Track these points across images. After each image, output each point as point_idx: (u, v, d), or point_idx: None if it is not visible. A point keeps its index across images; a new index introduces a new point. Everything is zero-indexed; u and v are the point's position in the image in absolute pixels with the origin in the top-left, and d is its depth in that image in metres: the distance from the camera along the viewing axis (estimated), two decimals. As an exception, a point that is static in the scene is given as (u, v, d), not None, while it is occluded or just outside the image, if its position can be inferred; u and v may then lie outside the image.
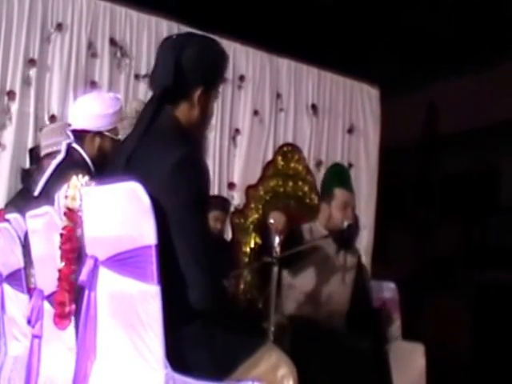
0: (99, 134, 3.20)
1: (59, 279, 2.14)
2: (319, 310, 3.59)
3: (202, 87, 2.18)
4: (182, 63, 2.13)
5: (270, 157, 5.90)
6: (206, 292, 1.99)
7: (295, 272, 3.63)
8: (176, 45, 2.19)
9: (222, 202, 5.12)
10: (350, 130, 6.41)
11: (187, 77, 2.14)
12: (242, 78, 5.80)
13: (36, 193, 3.04)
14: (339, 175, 3.93)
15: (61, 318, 2.16)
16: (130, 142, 2.21)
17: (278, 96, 6.02)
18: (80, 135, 3.19)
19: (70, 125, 3.29)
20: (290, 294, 3.66)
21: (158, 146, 2.08)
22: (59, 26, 4.94)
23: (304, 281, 3.64)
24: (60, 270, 2.14)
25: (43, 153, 3.52)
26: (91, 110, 3.20)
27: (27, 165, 4.40)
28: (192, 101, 2.18)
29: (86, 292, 2.05)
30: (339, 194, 3.73)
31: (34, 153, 4.33)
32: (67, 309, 2.14)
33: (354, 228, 3.78)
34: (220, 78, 2.32)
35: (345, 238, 3.75)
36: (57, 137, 3.39)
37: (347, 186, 3.80)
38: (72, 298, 2.14)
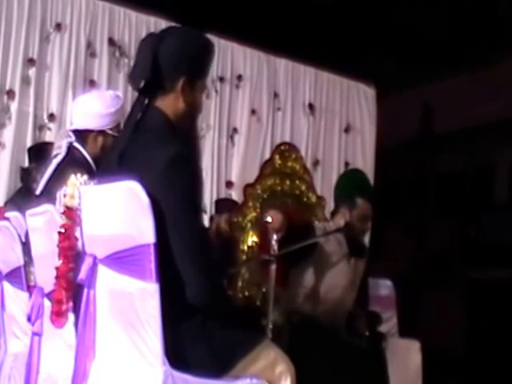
0: (102, 132, 3.20)
1: (57, 277, 2.14)
2: (325, 308, 3.59)
3: (184, 78, 2.16)
4: (160, 55, 2.11)
5: (267, 156, 5.89)
6: (202, 290, 2.01)
7: (303, 269, 3.64)
8: (154, 39, 2.18)
9: (231, 205, 5.15)
10: (347, 129, 6.43)
11: (166, 68, 2.13)
12: (239, 77, 5.83)
13: (37, 191, 3.05)
14: (363, 184, 3.90)
15: (58, 315, 2.16)
16: (120, 140, 2.22)
17: (276, 95, 6.05)
18: (82, 135, 3.20)
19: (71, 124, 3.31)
20: (297, 291, 3.67)
21: (149, 144, 2.08)
22: (58, 26, 4.96)
23: (311, 278, 3.64)
24: (58, 268, 2.14)
25: (54, 153, 3.53)
26: (93, 110, 3.20)
27: (26, 163, 4.42)
28: (176, 92, 2.17)
29: (85, 290, 2.06)
30: (362, 205, 3.71)
31: (33, 151, 4.36)
32: (64, 307, 2.14)
33: (350, 227, 3.78)
34: (203, 68, 2.28)
35: (359, 245, 3.76)
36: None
37: (370, 199, 3.80)
38: (69, 296, 2.14)
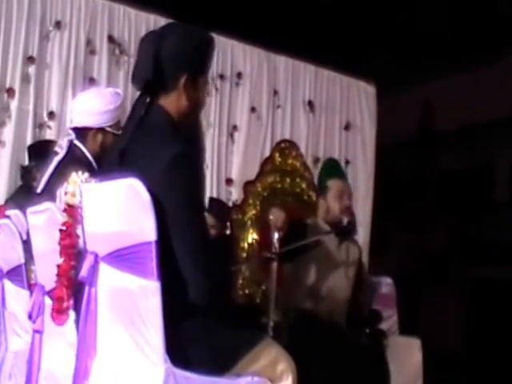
0: (101, 130, 3.19)
1: (58, 275, 2.15)
2: (320, 305, 3.60)
3: (185, 75, 2.16)
4: (161, 54, 2.11)
5: (267, 153, 5.90)
6: (202, 289, 2.01)
7: (297, 266, 3.65)
8: (155, 37, 2.18)
9: (220, 207, 5.17)
10: (347, 127, 6.42)
11: (168, 66, 2.13)
12: (239, 75, 5.82)
13: (38, 190, 3.04)
14: (330, 167, 4.01)
15: (58, 313, 2.17)
16: (122, 138, 2.21)
17: (275, 93, 6.04)
18: (82, 132, 3.19)
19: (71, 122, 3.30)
20: (292, 288, 3.68)
21: (152, 143, 2.08)
22: (58, 24, 4.95)
23: (306, 275, 3.66)
24: (59, 266, 2.15)
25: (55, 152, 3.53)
26: (92, 107, 3.19)
27: (26, 162, 4.42)
28: (178, 90, 2.17)
29: (87, 288, 2.06)
30: (332, 184, 3.78)
31: (33, 149, 4.36)
32: (65, 304, 2.15)
33: (353, 223, 3.81)
34: (205, 64, 2.27)
35: (345, 232, 3.77)
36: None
37: (339, 176, 3.85)
38: (70, 294, 2.15)
